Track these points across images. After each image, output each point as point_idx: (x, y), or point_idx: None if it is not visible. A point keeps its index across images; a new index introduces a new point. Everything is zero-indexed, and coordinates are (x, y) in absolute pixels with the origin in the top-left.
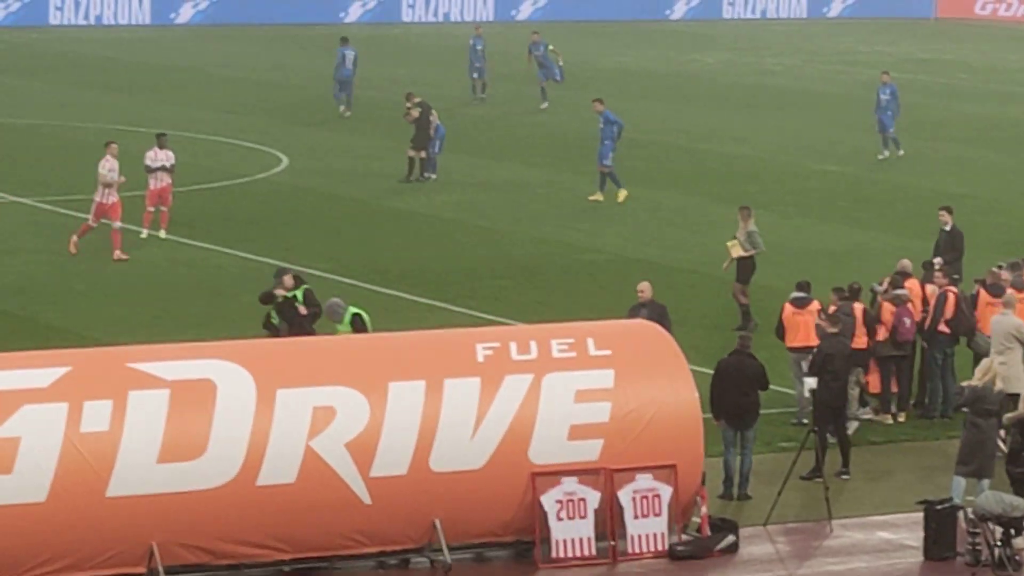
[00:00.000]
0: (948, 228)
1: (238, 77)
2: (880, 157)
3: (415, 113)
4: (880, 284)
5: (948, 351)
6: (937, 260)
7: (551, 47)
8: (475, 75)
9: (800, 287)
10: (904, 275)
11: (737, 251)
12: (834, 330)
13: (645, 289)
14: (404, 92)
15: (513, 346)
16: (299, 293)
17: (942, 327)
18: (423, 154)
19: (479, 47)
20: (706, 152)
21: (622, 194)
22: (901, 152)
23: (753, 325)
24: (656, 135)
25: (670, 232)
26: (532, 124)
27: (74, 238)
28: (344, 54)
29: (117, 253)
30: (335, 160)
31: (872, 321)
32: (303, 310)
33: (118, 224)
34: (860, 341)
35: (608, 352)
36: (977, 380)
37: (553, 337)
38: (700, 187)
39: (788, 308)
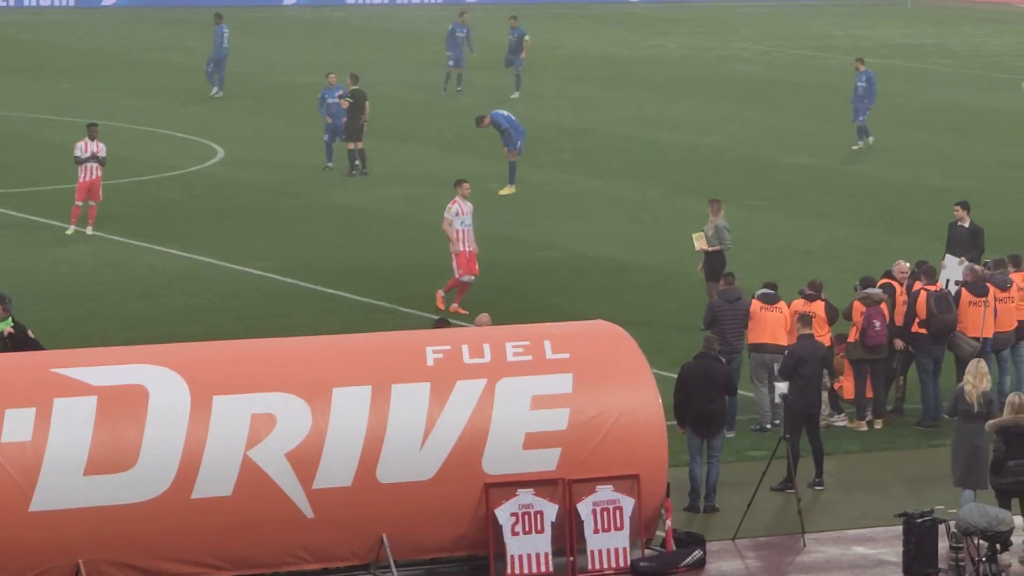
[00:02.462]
0: (967, 225)
1: (170, 62)
2: (854, 148)
3: (345, 104)
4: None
5: (938, 355)
6: (960, 259)
7: (527, 37)
8: (451, 63)
9: (768, 285)
10: (870, 281)
11: (702, 244)
12: (806, 331)
13: (484, 322)
14: (348, 74)
15: (465, 349)
16: (9, 320)
17: (916, 328)
18: (360, 145)
19: (459, 34)
20: (670, 143)
21: (506, 189)
22: (871, 140)
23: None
24: (618, 125)
25: (632, 227)
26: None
27: (440, 293)
28: (223, 32)
29: (454, 306)
30: (273, 151)
31: (834, 318)
32: (31, 333)
33: (469, 278)
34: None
35: (566, 356)
36: (969, 383)
37: (508, 340)
38: (664, 180)
39: (755, 304)
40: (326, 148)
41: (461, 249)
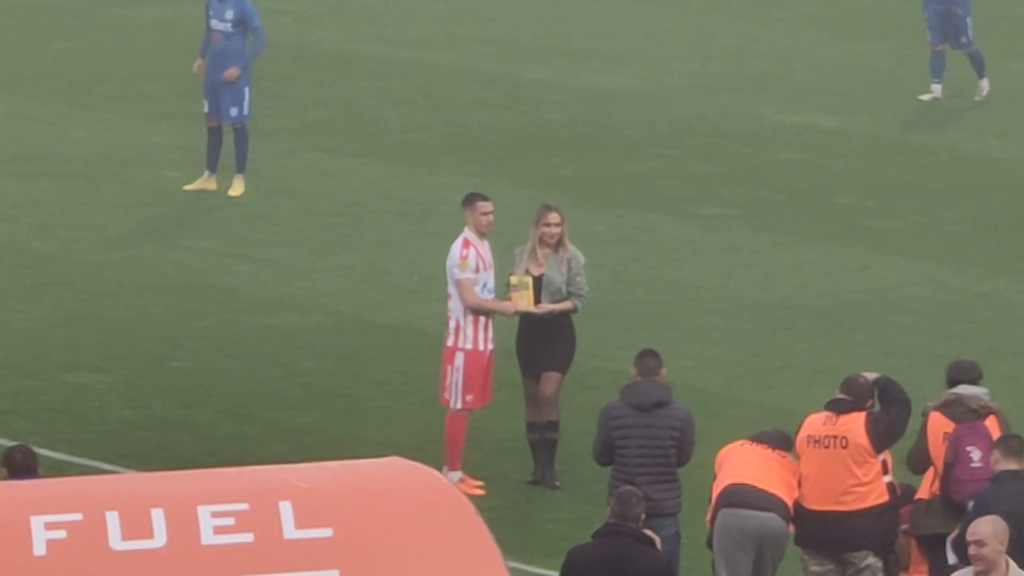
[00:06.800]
0: None
1: None
2: (924, 97)
3: None
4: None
5: None
6: None
7: None
8: None
9: (766, 435)
10: (967, 369)
11: (526, 301)
12: (1011, 465)
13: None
14: None
15: (113, 520)
16: None
17: None
18: None
19: None
20: (537, 82)
21: (200, 182)
22: (985, 87)
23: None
24: (414, 47)
25: (439, 256)
26: None
27: (449, 473)
28: None
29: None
30: None
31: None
32: None
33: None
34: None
35: (325, 533)
36: None
37: (204, 500)
38: (513, 160)
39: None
40: None
41: (475, 346)
